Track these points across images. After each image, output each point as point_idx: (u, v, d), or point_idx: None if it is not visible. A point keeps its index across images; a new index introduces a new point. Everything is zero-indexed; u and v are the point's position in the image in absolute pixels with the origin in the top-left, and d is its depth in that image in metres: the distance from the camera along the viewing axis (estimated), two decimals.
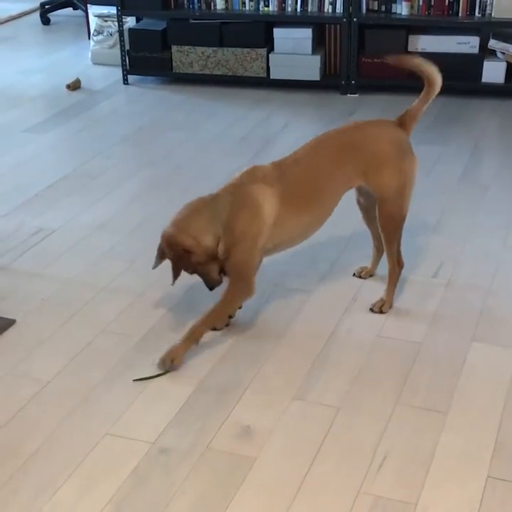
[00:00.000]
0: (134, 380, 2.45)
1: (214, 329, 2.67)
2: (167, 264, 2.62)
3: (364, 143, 2.67)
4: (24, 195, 3.75)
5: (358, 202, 2.86)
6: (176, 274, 2.58)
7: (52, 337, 2.70)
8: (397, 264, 2.79)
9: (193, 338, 2.54)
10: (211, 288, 2.64)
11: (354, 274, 3.00)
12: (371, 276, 2.99)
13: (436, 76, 2.77)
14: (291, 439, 2.23)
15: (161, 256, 2.64)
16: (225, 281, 2.63)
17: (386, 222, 2.71)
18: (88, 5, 5.95)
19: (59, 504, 2.03)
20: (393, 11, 4.93)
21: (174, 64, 5.26)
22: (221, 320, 2.69)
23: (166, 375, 2.49)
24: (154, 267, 2.66)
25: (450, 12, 4.86)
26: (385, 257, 2.83)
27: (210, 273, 2.61)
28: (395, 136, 2.72)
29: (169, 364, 2.49)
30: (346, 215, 3.37)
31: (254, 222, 2.53)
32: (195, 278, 2.97)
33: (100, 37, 5.77)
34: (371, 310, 2.80)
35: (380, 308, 2.80)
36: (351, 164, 2.65)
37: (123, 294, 2.93)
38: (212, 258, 2.57)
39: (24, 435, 2.26)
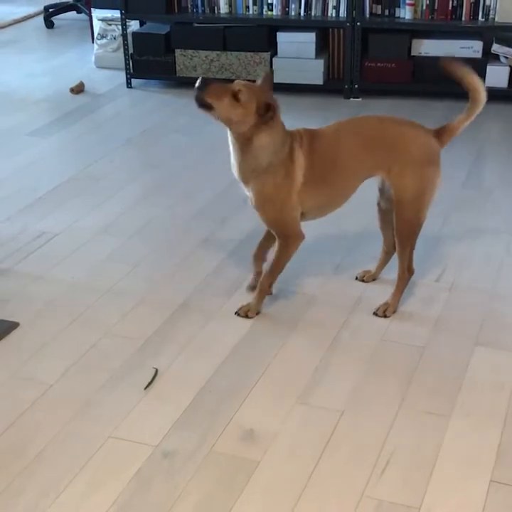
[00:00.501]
0: (144, 389, 2.44)
1: (246, 317, 2.78)
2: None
3: (397, 138, 2.68)
4: (28, 198, 3.76)
5: (378, 204, 2.86)
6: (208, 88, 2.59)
7: (56, 340, 2.71)
8: (407, 270, 2.79)
9: (263, 292, 2.80)
10: (197, 98, 2.61)
11: (357, 278, 3.01)
12: (374, 280, 3.00)
13: (481, 90, 2.73)
14: (295, 443, 2.23)
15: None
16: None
17: (402, 225, 2.71)
18: (92, 9, 5.96)
19: (62, 506, 2.03)
20: (397, 15, 4.94)
21: (178, 68, 5.27)
22: (282, 269, 2.78)
23: (170, 377, 2.50)
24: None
25: (453, 16, 4.86)
26: (391, 263, 2.83)
27: (226, 110, 2.60)
28: (427, 143, 2.71)
29: (244, 316, 2.76)
30: (351, 219, 3.38)
31: (285, 171, 2.62)
32: (199, 280, 2.99)
33: (104, 40, 5.79)
34: (375, 314, 2.80)
35: (384, 312, 2.80)
36: (379, 154, 2.66)
37: (126, 297, 2.94)
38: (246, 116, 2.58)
39: (28, 438, 2.26)
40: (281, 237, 2.71)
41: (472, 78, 2.72)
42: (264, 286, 2.80)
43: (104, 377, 2.50)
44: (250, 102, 2.56)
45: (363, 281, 3.00)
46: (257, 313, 2.80)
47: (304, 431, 2.28)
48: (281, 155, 2.62)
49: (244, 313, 2.80)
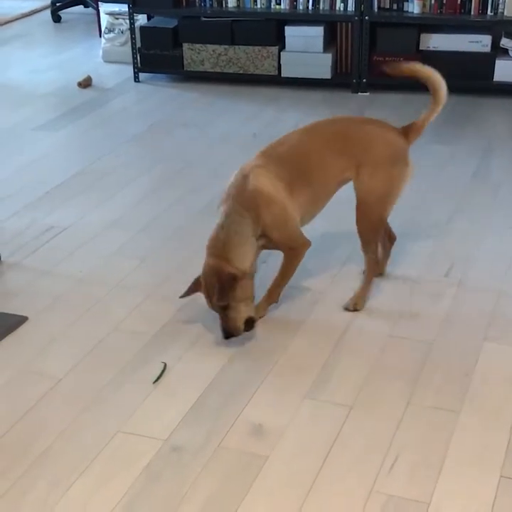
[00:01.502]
0: (153, 383, 2.44)
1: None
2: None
3: (362, 138, 2.67)
4: (36, 193, 3.76)
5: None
6: (221, 299, 2.51)
7: (64, 334, 2.71)
8: (375, 264, 2.82)
9: (271, 300, 2.74)
10: (227, 336, 2.56)
11: (364, 272, 2.99)
12: (380, 274, 2.98)
13: (443, 86, 2.71)
14: (303, 438, 2.23)
15: (195, 287, 2.62)
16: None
17: (365, 224, 2.72)
18: (99, 2, 5.96)
19: (72, 500, 2.03)
20: (405, 9, 4.92)
21: (185, 62, 5.26)
22: (291, 277, 2.73)
23: (179, 372, 2.50)
24: (183, 296, 2.67)
25: (462, 10, 4.84)
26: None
27: (237, 317, 2.55)
28: (394, 142, 2.70)
29: (247, 324, 2.59)
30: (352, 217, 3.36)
31: (274, 209, 2.57)
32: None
33: (111, 35, 5.78)
34: (346, 309, 2.78)
35: (355, 306, 2.78)
36: (346, 155, 2.65)
37: (135, 292, 2.94)
38: (243, 289, 2.52)
39: (37, 432, 2.26)
40: (289, 250, 2.68)
41: (428, 71, 2.72)
42: (273, 294, 2.75)
43: (112, 372, 2.50)
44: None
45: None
46: (261, 317, 2.72)
47: (312, 426, 2.28)
48: (270, 216, 2.56)
49: (250, 327, 2.62)
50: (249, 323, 2.59)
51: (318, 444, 2.20)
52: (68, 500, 2.03)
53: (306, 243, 2.71)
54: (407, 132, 2.73)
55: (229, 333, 2.57)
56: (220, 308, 2.54)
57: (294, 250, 2.68)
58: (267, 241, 2.61)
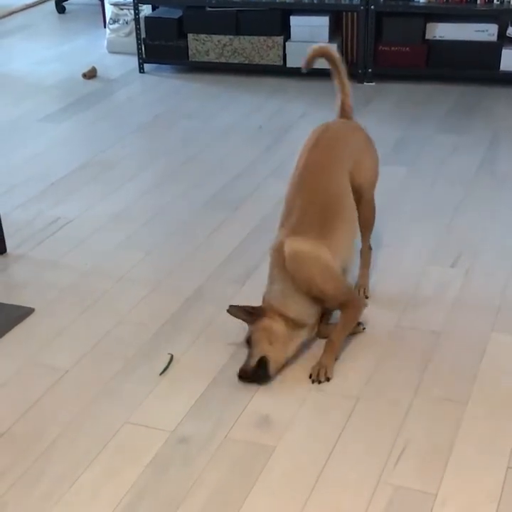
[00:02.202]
0: (160, 375, 2.45)
1: (327, 380, 2.42)
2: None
3: (346, 141, 2.70)
4: (41, 185, 3.76)
5: None
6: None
7: (71, 326, 2.71)
8: (369, 248, 2.85)
9: (333, 354, 2.46)
10: (240, 376, 2.40)
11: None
12: None
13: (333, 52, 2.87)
14: (310, 429, 2.23)
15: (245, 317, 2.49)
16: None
17: (371, 213, 2.76)
18: None
19: (80, 492, 2.04)
20: None
21: (190, 52, 5.24)
22: (344, 336, 2.53)
23: (185, 364, 2.50)
24: (230, 311, 2.51)
25: None
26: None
27: (252, 355, 2.41)
28: (362, 129, 2.78)
29: (324, 378, 2.40)
30: None
31: (318, 269, 2.46)
32: (213, 267, 2.99)
33: (116, 25, 5.76)
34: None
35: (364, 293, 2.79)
36: (346, 164, 2.62)
37: (140, 284, 2.94)
38: (275, 333, 2.41)
39: (44, 424, 2.27)
40: (344, 307, 2.51)
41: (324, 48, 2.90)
42: (335, 350, 2.48)
43: (119, 364, 2.50)
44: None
45: None
46: (326, 375, 2.43)
47: (319, 417, 2.28)
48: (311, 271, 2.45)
49: (324, 376, 2.43)
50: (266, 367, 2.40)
51: (325, 435, 2.20)
52: (76, 491, 2.04)
53: (362, 302, 2.59)
54: (348, 115, 2.82)
55: (240, 372, 2.42)
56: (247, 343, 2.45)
57: (350, 308, 2.51)
58: (321, 298, 2.48)
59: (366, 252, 2.85)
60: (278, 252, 2.48)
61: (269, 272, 2.52)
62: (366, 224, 2.78)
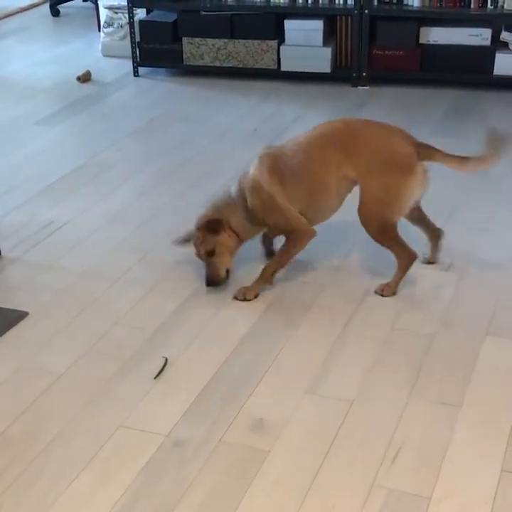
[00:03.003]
0: (155, 378, 2.45)
1: (244, 299, 2.82)
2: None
3: (364, 138, 2.74)
4: (36, 187, 3.76)
5: None
6: (207, 242, 2.82)
7: (66, 329, 2.71)
8: (402, 257, 2.81)
9: (264, 280, 2.86)
10: (209, 283, 2.84)
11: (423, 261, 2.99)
12: (431, 263, 3.02)
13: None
14: (305, 432, 2.24)
15: (188, 237, 2.92)
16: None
17: (366, 225, 2.79)
18: None
19: (74, 495, 2.04)
20: (405, 2, 4.90)
21: (185, 56, 5.25)
22: (287, 262, 2.88)
23: (180, 367, 2.50)
24: (176, 243, 2.97)
25: (462, 4, 4.83)
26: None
27: (219, 265, 2.84)
28: (400, 150, 2.72)
29: (242, 299, 2.82)
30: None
31: (267, 195, 2.79)
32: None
33: (110, 29, 5.77)
34: (375, 292, 2.85)
35: (382, 290, 2.84)
36: (344, 152, 2.73)
37: (136, 286, 2.94)
38: (227, 243, 2.83)
39: (38, 427, 2.27)
40: (288, 234, 2.85)
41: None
42: (266, 274, 2.86)
43: (114, 367, 2.50)
44: (213, 240, 2.82)
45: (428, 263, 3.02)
46: (255, 297, 2.84)
47: (313, 420, 2.28)
48: (255, 201, 2.81)
49: (242, 295, 2.84)
50: (227, 274, 2.87)
51: (319, 439, 2.21)
52: (71, 495, 2.04)
53: (308, 232, 2.84)
54: (423, 149, 2.75)
55: (211, 280, 2.84)
56: (206, 254, 2.82)
57: (292, 236, 2.83)
58: (264, 223, 2.85)
59: (395, 256, 2.82)
60: (246, 174, 2.86)
61: (237, 188, 2.87)
62: (369, 235, 2.81)
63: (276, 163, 2.81)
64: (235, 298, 2.84)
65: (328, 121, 2.89)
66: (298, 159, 2.79)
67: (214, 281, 2.84)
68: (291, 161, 2.80)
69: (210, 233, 2.81)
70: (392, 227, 2.76)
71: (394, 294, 2.84)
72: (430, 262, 3.03)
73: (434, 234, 3.00)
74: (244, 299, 2.82)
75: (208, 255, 2.83)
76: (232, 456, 2.15)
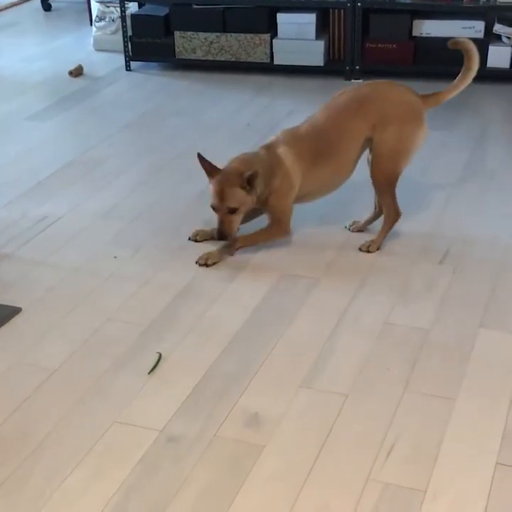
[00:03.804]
0: (148, 373, 2.44)
1: (205, 265, 2.96)
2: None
3: (374, 98, 2.93)
4: (28, 183, 3.74)
5: (368, 160, 3.02)
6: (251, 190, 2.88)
7: (59, 325, 2.70)
8: (392, 213, 3.00)
9: (229, 249, 3.00)
10: (220, 237, 2.94)
11: (346, 226, 3.16)
12: (360, 231, 3.15)
13: (476, 59, 3.02)
14: (300, 427, 2.23)
15: (210, 168, 2.97)
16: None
17: (378, 175, 2.94)
18: None
19: (68, 491, 2.03)
20: None
21: (177, 50, 5.23)
22: (257, 243, 3.04)
23: (174, 362, 2.49)
24: (201, 161, 3.01)
25: None
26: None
27: (235, 224, 2.94)
28: (410, 101, 2.94)
29: (203, 264, 2.95)
30: (353, 203, 3.37)
31: (285, 179, 2.93)
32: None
33: (102, 23, 5.74)
34: (360, 249, 3.01)
35: (368, 247, 3.00)
36: (361, 117, 2.91)
37: (129, 282, 2.92)
38: (248, 205, 2.91)
39: (32, 423, 2.25)
40: (275, 222, 3.01)
41: (468, 44, 3.01)
42: (235, 246, 3.00)
43: (107, 362, 2.49)
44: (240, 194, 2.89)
45: (349, 230, 3.16)
46: (215, 264, 2.96)
47: (308, 415, 2.27)
48: (273, 179, 2.93)
49: (203, 261, 2.97)
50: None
51: (314, 433, 2.20)
52: (65, 490, 2.03)
53: (289, 231, 3.06)
54: (427, 98, 2.98)
55: (225, 235, 2.94)
56: (228, 211, 2.88)
57: (276, 226, 3.01)
58: (264, 200, 2.96)
59: (386, 214, 3.02)
60: (271, 149, 2.95)
61: (257, 152, 2.98)
62: (377, 190, 3.00)
63: (301, 148, 2.93)
64: (197, 262, 2.96)
65: (341, 92, 3.00)
66: (320, 138, 2.91)
67: (227, 237, 2.95)
68: (314, 142, 2.92)
69: (242, 189, 2.85)
70: (397, 177, 2.96)
71: (378, 249, 2.97)
72: (359, 230, 3.17)
73: (380, 212, 3.12)
74: (206, 265, 2.95)
75: (230, 212, 2.89)
76: (227, 452, 2.15)
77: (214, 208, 2.93)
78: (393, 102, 2.92)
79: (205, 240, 3.12)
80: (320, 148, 2.94)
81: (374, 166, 2.93)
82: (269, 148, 2.97)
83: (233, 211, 2.89)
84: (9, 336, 2.65)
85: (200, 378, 2.42)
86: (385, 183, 2.95)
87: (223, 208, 2.89)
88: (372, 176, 2.96)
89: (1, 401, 2.35)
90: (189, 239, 3.14)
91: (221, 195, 2.88)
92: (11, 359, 2.53)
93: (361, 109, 2.91)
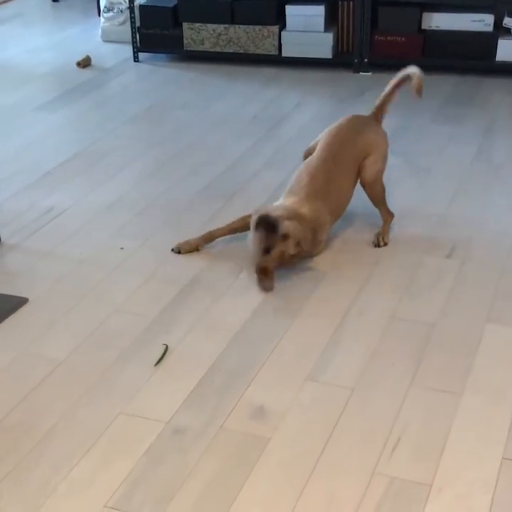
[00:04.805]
0: (155, 365, 2.44)
1: (178, 252, 3.03)
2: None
3: (367, 136, 3.13)
4: (35, 174, 3.74)
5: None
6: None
7: (65, 316, 2.70)
8: (388, 215, 3.17)
9: (206, 239, 3.05)
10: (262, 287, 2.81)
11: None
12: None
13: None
14: (305, 420, 2.23)
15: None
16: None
17: (375, 198, 3.15)
18: None
19: (74, 482, 2.03)
20: None
21: (185, 41, 5.21)
22: None
23: (180, 354, 2.49)
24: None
25: None
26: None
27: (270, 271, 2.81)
28: (382, 133, 3.19)
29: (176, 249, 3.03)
30: (356, 195, 3.36)
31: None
32: (209, 257, 2.99)
33: (110, 14, 5.72)
34: (376, 246, 3.07)
35: (381, 240, 3.07)
36: (357, 153, 3.09)
37: (135, 274, 2.93)
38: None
39: (38, 414, 2.26)
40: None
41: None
42: (209, 236, 3.07)
43: (114, 354, 2.49)
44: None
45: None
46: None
47: (314, 408, 2.27)
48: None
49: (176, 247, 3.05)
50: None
51: (320, 426, 2.20)
52: (71, 481, 2.03)
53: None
54: (376, 113, 3.24)
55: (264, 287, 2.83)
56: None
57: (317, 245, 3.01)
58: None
59: (384, 218, 3.16)
60: (294, 212, 2.89)
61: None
62: (375, 202, 3.16)
63: (316, 198, 2.96)
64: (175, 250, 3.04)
65: (329, 133, 3.13)
66: (328, 178, 3.00)
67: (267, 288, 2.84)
68: (325, 186, 2.99)
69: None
70: (383, 187, 3.17)
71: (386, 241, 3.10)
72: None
73: None
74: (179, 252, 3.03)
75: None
76: (233, 444, 2.15)
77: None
78: (380, 138, 3.16)
79: (189, 252, 3.05)
80: (328, 190, 3.01)
81: (372, 191, 3.15)
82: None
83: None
84: (16, 326, 2.66)
85: (206, 371, 2.42)
86: (381, 198, 3.17)
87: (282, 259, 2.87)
88: (372, 200, 3.16)
89: (7, 392, 2.35)
90: (172, 250, 3.07)
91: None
92: (17, 350, 2.53)
93: (357, 147, 3.09)
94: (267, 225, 2.76)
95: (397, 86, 3.25)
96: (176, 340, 2.56)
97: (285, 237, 2.77)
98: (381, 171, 3.15)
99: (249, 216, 2.97)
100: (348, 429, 2.19)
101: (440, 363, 2.44)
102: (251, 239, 2.86)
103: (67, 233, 3.22)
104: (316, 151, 3.10)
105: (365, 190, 3.14)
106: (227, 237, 3.09)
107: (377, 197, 3.16)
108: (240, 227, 3.05)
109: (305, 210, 2.89)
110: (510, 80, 4.81)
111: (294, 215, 2.85)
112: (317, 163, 3.03)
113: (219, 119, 4.40)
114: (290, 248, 2.80)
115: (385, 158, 3.17)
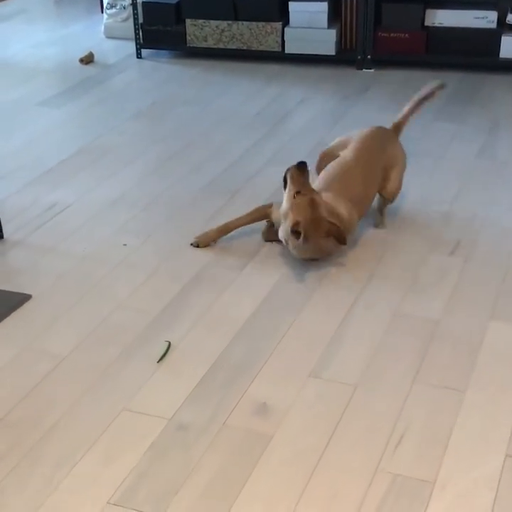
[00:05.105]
0: (158, 362, 2.44)
1: (197, 246, 3.03)
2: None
3: (390, 151, 3.19)
4: (38, 170, 3.74)
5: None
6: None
7: (68, 312, 2.70)
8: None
9: (222, 231, 3.06)
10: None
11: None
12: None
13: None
14: (308, 417, 2.23)
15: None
16: None
17: (394, 195, 3.20)
18: None
19: (78, 478, 2.03)
20: None
21: (188, 38, 5.21)
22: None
23: (183, 350, 2.49)
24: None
25: None
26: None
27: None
28: (402, 148, 3.25)
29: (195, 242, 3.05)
30: None
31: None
32: (211, 253, 2.99)
33: (113, 10, 5.72)
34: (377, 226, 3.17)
35: (383, 224, 3.16)
36: (381, 165, 3.14)
37: (138, 270, 2.92)
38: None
39: (42, 410, 2.26)
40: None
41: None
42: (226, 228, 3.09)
43: (117, 350, 2.49)
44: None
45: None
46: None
47: (317, 405, 2.27)
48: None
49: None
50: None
51: (323, 423, 2.20)
52: (75, 477, 2.03)
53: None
54: (396, 128, 3.28)
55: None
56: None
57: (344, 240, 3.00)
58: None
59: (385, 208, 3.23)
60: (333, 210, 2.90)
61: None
62: (381, 208, 3.21)
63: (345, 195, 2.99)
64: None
65: (359, 143, 3.15)
66: (356, 182, 3.03)
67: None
68: (354, 187, 3.02)
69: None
70: None
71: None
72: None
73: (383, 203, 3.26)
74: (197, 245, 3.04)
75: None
76: (236, 440, 2.15)
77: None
78: (400, 152, 3.22)
79: (207, 246, 3.06)
80: (357, 191, 3.04)
81: (391, 190, 3.18)
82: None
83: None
84: (19, 322, 2.66)
85: (209, 367, 2.42)
86: (396, 196, 3.23)
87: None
88: (392, 196, 3.19)
89: (10, 387, 2.35)
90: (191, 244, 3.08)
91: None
92: (20, 346, 2.53)
93: (381, 160, 3.13)
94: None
95: (420, 102, 3.27)
96: (179, 336, 2.56)
97: (333, 225, 2.82)
98: (402, 177, 3.21)
99: (264, 207, 3.05)
100: (351, 425, 2.19)
101: (444, 360, 2.44)
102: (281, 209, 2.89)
103: (71, 229, 3.22)
104: (348, 154, 3.11)
105: (383, 198, 3.18)
106: (232, 233, 3.09)
107: (388, 204, 3.21)
108: (255, 219, 3.07)
109: (342, 210, 2.92)
110: None
111: (334, 213, 2.88)
112: (353, 166, 3.06)
113: (222, 115, 4.40)
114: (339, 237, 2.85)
115: (404, 171, 3.23)
